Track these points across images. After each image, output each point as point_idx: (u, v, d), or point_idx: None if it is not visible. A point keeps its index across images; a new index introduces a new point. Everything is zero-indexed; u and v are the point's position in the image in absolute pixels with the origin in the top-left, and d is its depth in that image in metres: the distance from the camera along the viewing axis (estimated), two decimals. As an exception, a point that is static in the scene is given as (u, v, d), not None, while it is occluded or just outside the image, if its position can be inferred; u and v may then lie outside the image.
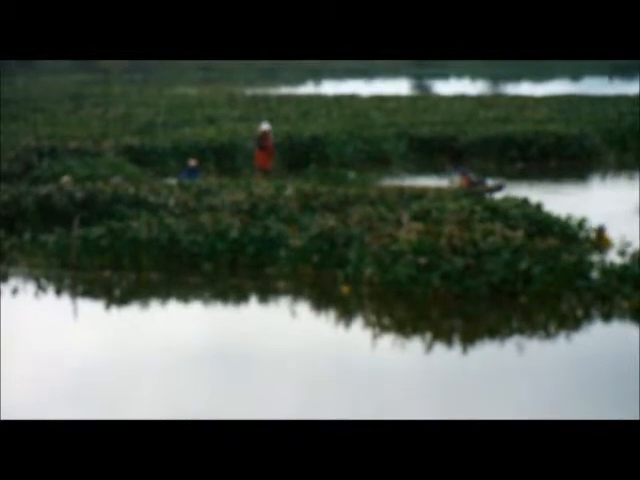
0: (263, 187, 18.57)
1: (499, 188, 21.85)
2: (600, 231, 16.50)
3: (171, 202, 17.35)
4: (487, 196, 20.18)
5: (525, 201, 17.52)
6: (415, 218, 15.70)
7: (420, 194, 18.19)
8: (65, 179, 19.30)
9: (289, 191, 17.90)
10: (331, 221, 15.61)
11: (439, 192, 18.50)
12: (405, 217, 15.68)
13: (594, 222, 16.64)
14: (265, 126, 24.35)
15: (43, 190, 18.20)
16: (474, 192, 20.54)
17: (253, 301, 14.17)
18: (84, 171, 21.20)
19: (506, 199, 17.79)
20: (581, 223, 16.32)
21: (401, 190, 18.64)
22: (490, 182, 22.45)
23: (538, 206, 17.17)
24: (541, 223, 15.95)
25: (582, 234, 16.16)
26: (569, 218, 16.43)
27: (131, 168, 22.71)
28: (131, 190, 18.06)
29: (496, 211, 16.20)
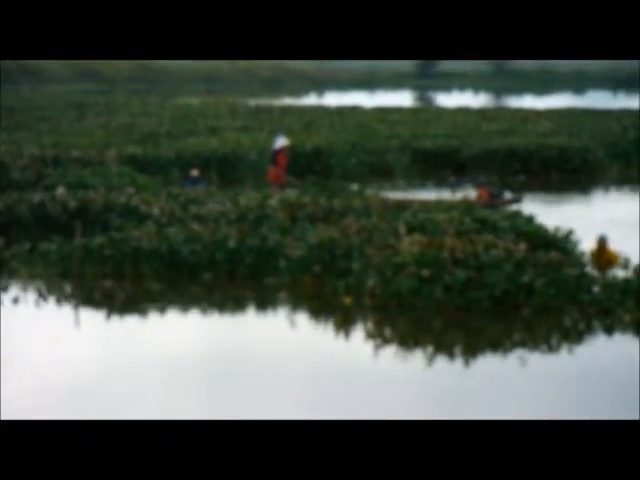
0: (249, 197, 18.61)
1: (517, 200, 21.80)
2: (601, 243, 16.04)
3: (155, 211, 17.42)
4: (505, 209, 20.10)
5: (516, 213, 17.49)
6: (410, 230, 15.66)
7: (404, 205, 18.18)
8: (60, 191, 19.24)
9: (274, 201, 17.96)
10: (330, 231, 15.60)
11: (424, 204, 18.47)
12: (402, 228, 15.67)
13: (596, 236, 16.56)
14: (283, 141, 24.08)
15: (36, 198, 18.28)
16: (494, 205, 20.49)
17: (254, 312, 14.16)
18: (96, 180, 21.20)
19: (497, 211, 17.69)
20: (567, 235, 16.08)
21: (385, 201, 18.64)
22: (507, 195, 22.40)
23: (529, 218, 17.10)
24: (530, 235, 15.80)
25: (569, 246, 15.93)
26: (558, 230, 16.24)
27: (142, 178, 22.63)
28: (122, 199, 18.16)
29: (485, 223, 16.15)
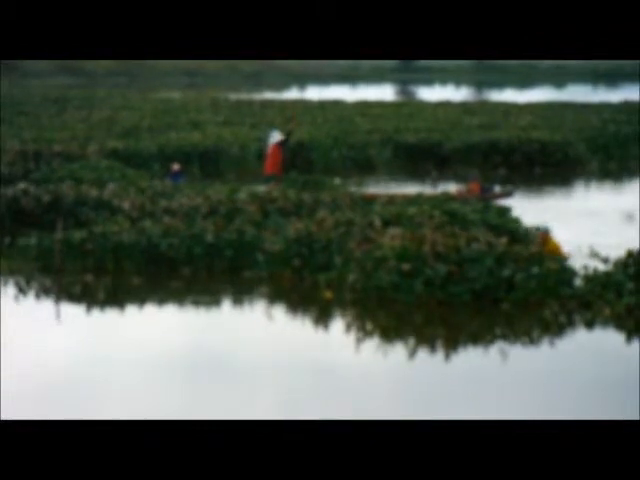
0: (217, 191, 18.58)
1: (509, 194, 21.83)
2: (544, 235, 15.74)
3: (126, 205, 17.39)
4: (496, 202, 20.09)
5: (487, 206, 17.51)
6: (385, 223, 15.66)
7: (370, 199, 18.21)
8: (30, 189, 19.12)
9: (243, 195, 17.95)
10: (307, 225, 15.57)
11: (391, 198, 18.49)
12: (378, 221, 15.68)
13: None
14: (278, 136, 24.19)
15: (10, 192, 18.24)
16: (485, 199, 20.49)
17: (235, 306, 14.14)
18: (88, 174, 21.10)
19: (468, 204, 17.69)
20: (534, 229, 16.01)
21: (352, 195, 18.67)
22: (497, 189, 22.41)
23: (500, 211, 17.10)
24: (499, 228, 15.76)
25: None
26: (528, 225, 16.14)
27: (131, 172, 22.47)
28: (94, 193, 18.13)
29: (455, 216, 16.16)
